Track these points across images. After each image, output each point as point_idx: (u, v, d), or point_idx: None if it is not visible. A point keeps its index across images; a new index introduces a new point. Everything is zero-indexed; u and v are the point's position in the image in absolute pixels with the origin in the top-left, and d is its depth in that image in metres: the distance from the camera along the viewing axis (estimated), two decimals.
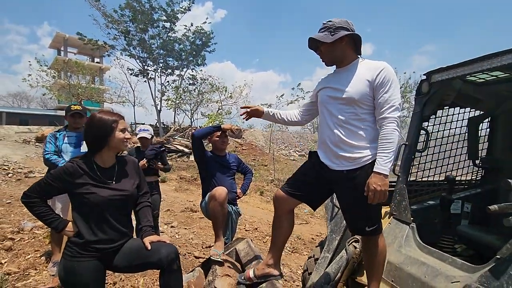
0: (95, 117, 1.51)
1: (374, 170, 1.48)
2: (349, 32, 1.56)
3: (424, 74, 2.11)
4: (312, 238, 5.04)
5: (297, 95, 15.10)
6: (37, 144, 11.78)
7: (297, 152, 18.52)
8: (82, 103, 17.35)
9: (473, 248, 2.12)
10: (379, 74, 1.49)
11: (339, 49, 1.59)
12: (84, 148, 2.79)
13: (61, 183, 1.45)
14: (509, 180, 1.20)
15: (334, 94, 1.60)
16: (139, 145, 3.39)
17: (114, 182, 1.54)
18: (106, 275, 1.60)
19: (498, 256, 1.35)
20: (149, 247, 1.50)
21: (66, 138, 2.67)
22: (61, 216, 2.57)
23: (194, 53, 17.54)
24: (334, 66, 1.71)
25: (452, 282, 1.47)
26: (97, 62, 28.53)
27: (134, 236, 1.69)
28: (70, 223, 1.50)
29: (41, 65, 17.07)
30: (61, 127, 2.93)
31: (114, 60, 17.63)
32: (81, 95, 16.98)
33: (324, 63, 1.68)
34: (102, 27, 16.18)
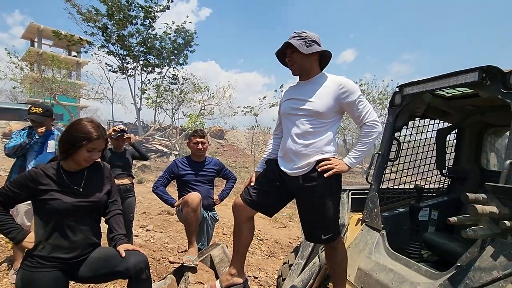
0: (75, 125, 1.44)
1: (343, 159, 1.63)
2: (322, 49, 1.61)
3: (397, 87, 2.20)
4: (290, 242, 5.09)
5: (279, 97, 15.26)
6: (4, 140, 11.10)
7: None
8: (56, 98, 16.57)
9: (438, 254, 2.23)
10: (342, 90, 1.57)
11: (309, 62, 1.64)
12: (50, 148, 2.66)
13: (24, 190, 1.38)
14: (467, 194, 1.26)
15: (298, 105, 1.64)
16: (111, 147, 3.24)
17: (81, 189, 1.47)
18: (70, 284, 1.52)
19: (458, 264, 1.43)
20: (124, 254, 1.44)
21: (23, 137, 2.51)
22: (25, 221, 2.49)
23: (175, 52, 17.22)
24: (297, 78, 1.75)
25: None
26: (74, 56, 27.35)
27: (102, 245, 1.62)
28: (31, 233, 1.42)
29: (11, 57, 16.12)
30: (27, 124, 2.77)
31: (92, 55, 16.97)
32: (55, 89, 16.17)
33: (291, 70, 1.71)
34: (78, 22, 15.51)
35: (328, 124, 1.61)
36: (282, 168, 1.67)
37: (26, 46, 25.39)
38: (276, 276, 3.17)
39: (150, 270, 1.57)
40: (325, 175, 1.55)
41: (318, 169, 1.56)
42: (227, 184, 2.89)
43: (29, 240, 1.39)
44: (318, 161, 1.58)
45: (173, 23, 16.58)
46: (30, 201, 2.49)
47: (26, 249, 1.41)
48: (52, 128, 2.76)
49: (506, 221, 1.19)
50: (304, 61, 1.62)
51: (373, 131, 1.59)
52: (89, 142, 1.41)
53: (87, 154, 1.43)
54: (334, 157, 1.62)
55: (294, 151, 1.62)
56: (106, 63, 17.40)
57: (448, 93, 2.23)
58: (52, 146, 2.70)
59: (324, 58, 1.69)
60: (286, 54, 1.66)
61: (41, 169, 1.41)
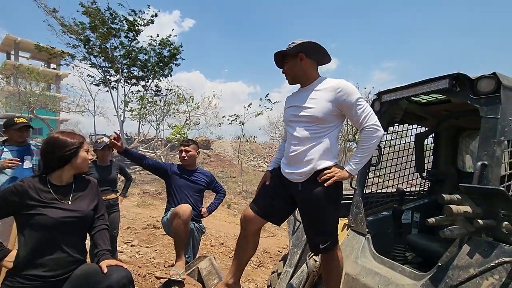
0: (58, 138, 1.45)
1: (344, 166, 1.60)
2: (306, 49, 1.63)
3: (375, 94, 2.29)
4: (279, 251, 5.06)
5: (265, 106, 15.32)
6: None
7: (266, 163, 18.70)
8: (34, 112, 16.00)
9: (422, 255, 2.29)
10: (340, 93, 1.56)
11: (299, 67, 1.66)
12: (26, 164, 2.57)
13: (8, 204, 1.33)
14: (443, 195, 1.32)
15: (298, 112, 1.65)
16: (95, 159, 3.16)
17: (69, 202, 1.45)
18: None
19: (439, 264, 1.47)
20: (106, 270, 1.39)
21: (5, 153, 2.43)
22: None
23: (160, 64, 17.11)
24: (299, 85, 1.77)
25: None
26: (53, 68, 26.67)
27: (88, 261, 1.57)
28: (12, 252, 1.36)
29: None
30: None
31: (73, 67, 16.57)
32: (33, 103, 15.63)
33: (288, 81, 1.75)
34: (59, 34, 15.16)
35: (328, 129, 1.60)
36: (283, 174, 1.69)
37: (2, 59, 24.59)
38: (266, 286, 3.14)
39: (136, 287, 1.53)
40: (325, 184, 1.54)
41: (319, 179, 1.55)
42: (216, 197, 2.85)
43: (9, 260, 1.34)
44: (318, 171, 1.57)
45: (158, 36, 16.52)
46: (6, 219, 2.39)
47: (6, 269, 1.34)
48: (28, 143, 2.68)
49: (479, 220, 1.25)
50: (293, 68, 1.66)
51: (373, 136, 1.55)
52: (83, 144, 1.51)
53: (86, 154, 1.52)
54: (336, 164, 1.61)
55: (294, 157, 1.62)
56: (88, 75, 17.03)
57: (423, 99, 2.34)
58: (28, 162, 2.61)
59: (319, 57, 1.70)
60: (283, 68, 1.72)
61: (28, 182, 1.38)
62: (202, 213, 2.67)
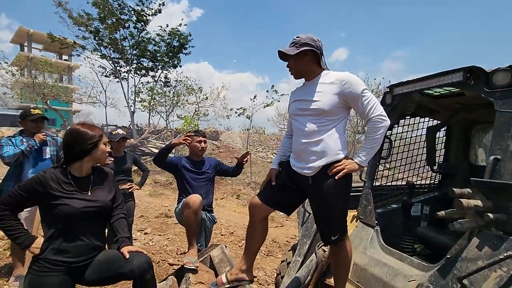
0: (80, 130, 1.51)
1: (353, 158, 1.63)
2: (305, 48, 1.63)
3: (387, 87, 2.27)
4: (287, 241, 5.15)
5: (272, 97, 15.22)
6: None
7: (274, 155, 18.73)
8: (48, 103, 16.38)
9: (430, 247, 2.31)
10: (345, 85, 1.57)
11: (303, 63, 1.68)
12: (47, 154, 2.67)
13: (32, 194, 1.40)
14: (454, 189, 1.34)
15: (303, 106, 1.68)
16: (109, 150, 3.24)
17: (89, 193, 1.52)
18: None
19: (448, 256, 1.50)
20: (127, 256, 1.49)
21: (24, 144, 2.52)
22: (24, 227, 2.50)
23: (170, 54, 17.16)
24: (303, 79, 1.79)
25: (409, 281, 1.60)
26: (65, 60, 27.07)
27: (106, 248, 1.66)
28: (38, 239, 1.44)
29: (1, 63, 15.91)
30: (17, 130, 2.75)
31: (85, 59, 16.81)
32: (47, 94, 15.98)
33: (292, 76, 1.78)
34: (69, 26, 15.35)
35: (334, 121, 1.62)
36: (293, 168, 1.73)
37: (14, 50, 25.10)
38: (275, 275, 3.23)
39: None
40: (336, 177, 1.57)
41: (329, 173, 1.58)
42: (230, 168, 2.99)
43: (36, 246, 1.42)
44: (329, 164, 1.59)
45: (167, 26, 16.52)
46: (29, 208, 2.52)
47: (32, 255, 1.43)
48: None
49: (489, 214, 1.26)
50: (297, 64, 1.68)
51: (379, 126, 1.57)
52: (102, 137, 1.57)
53: (105, 147, 1.59)
54: (345, 157, 1.63)
55: (303, 151, 1.65)
56: (99, 66, 17.25)
57: (436, 92, 2.32)
58: (48, 151, 2.71)
59: (323, 52, 1.71)
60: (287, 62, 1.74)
61: (50, 173, 1.44)
62: (243, 160, 2.85)
